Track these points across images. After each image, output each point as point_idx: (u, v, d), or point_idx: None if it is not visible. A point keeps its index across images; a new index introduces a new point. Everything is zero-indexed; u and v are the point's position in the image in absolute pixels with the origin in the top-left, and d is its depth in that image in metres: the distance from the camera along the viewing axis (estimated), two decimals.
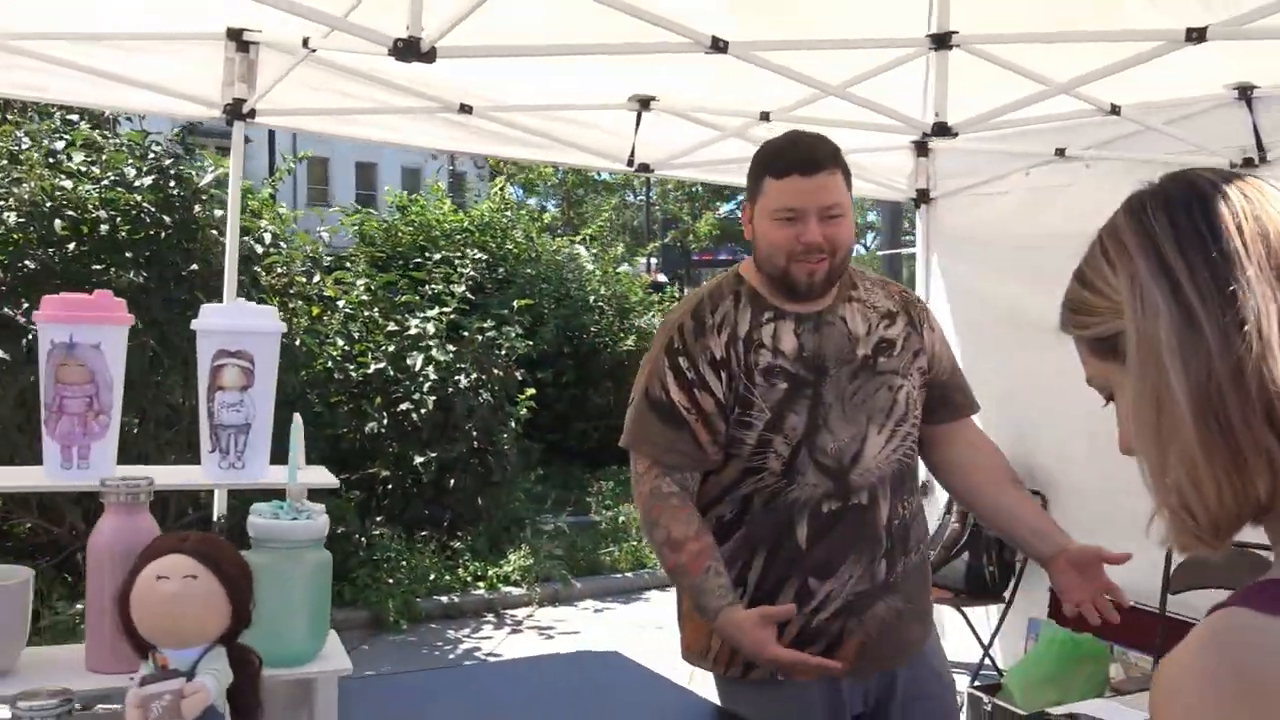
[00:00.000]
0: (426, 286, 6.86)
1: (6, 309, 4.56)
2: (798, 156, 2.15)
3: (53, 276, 4.63)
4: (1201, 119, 3.63)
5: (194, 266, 5.03)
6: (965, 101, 3.32)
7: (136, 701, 1.09)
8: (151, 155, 5.16)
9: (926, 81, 3.64)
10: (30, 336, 4.59)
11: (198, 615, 1.16)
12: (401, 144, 4.20)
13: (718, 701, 2.26)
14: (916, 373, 2.27)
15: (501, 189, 11.14)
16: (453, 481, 6.40)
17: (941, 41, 2.89)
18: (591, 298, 9.81)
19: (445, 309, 6.54)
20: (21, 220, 4.62)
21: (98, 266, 4.73)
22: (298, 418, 1.35)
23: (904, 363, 2.25)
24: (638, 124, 3.90)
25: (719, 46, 2.71)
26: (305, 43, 3.04)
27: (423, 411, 6.14)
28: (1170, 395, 0.82)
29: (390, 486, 6.35)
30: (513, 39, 2.90)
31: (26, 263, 4.64)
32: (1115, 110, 3.43)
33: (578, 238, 11.24)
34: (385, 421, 6.15)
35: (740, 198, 2.70)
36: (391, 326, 6.42)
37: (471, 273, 7.30)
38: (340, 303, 6.43)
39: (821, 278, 2.17)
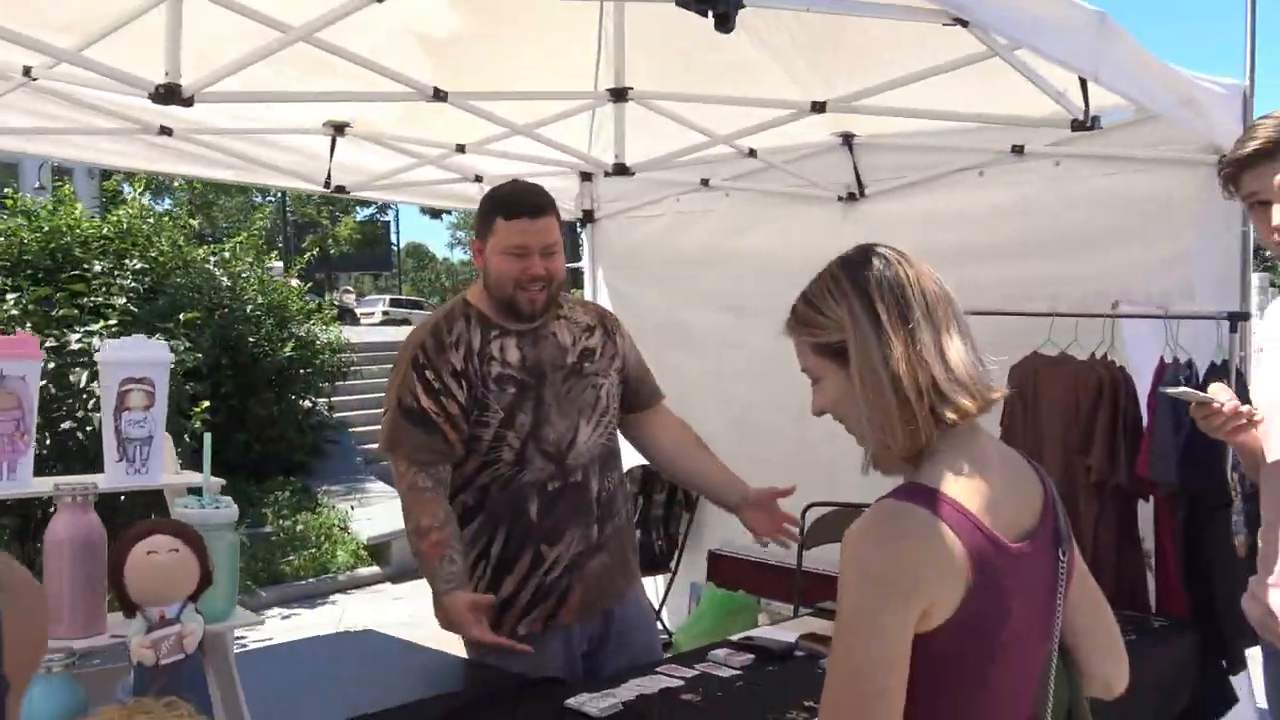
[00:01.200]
0: (86, 299, 6.62)
1: None
2: (527, 203, 2.64)
3: None
4: (815, 160, 4.45)
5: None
6: (636, 141, 3.95)
7: (148, 644, 1.38)
8: None
9: (593, 124, 4.23)
10: None
11: (181, 579, 1.46)
12: (100, 164, 4.23)
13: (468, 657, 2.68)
14: (614, 373, 2.83)
15: (140, 193, 10.68)
16: (122, 499, 6.25)
17: (619, 95, 3.48)
18: (249, 307, 9.70)
19: (109, 322, 6.37)
20: None
21: None
22: (208, 436, 1.65)
23: (603, 366, 2.81)
24: (332, 148, 4.19)
25: (440, 96, 3.12)
26: (27, 71, 3.08)
27: (88, 429, 5.98)
28: (878, 380, 1.40)
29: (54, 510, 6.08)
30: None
31: None
32: (753, 153, 4.19)
33: (227, 245, 11.01)
34: (47, 443, 5.93)
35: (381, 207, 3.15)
36: (50, 342, 6.18)
37: (132, 284, 7.10)
38: None
39: (542, 304, 2.68)
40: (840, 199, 4.52)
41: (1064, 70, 2.72)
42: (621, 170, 3.76)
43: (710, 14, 1.65)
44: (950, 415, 1.41)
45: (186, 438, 6.78)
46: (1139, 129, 3.61)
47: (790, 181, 4.55)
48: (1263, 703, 2.45)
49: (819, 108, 3.31)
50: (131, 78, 2.64)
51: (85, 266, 7.18)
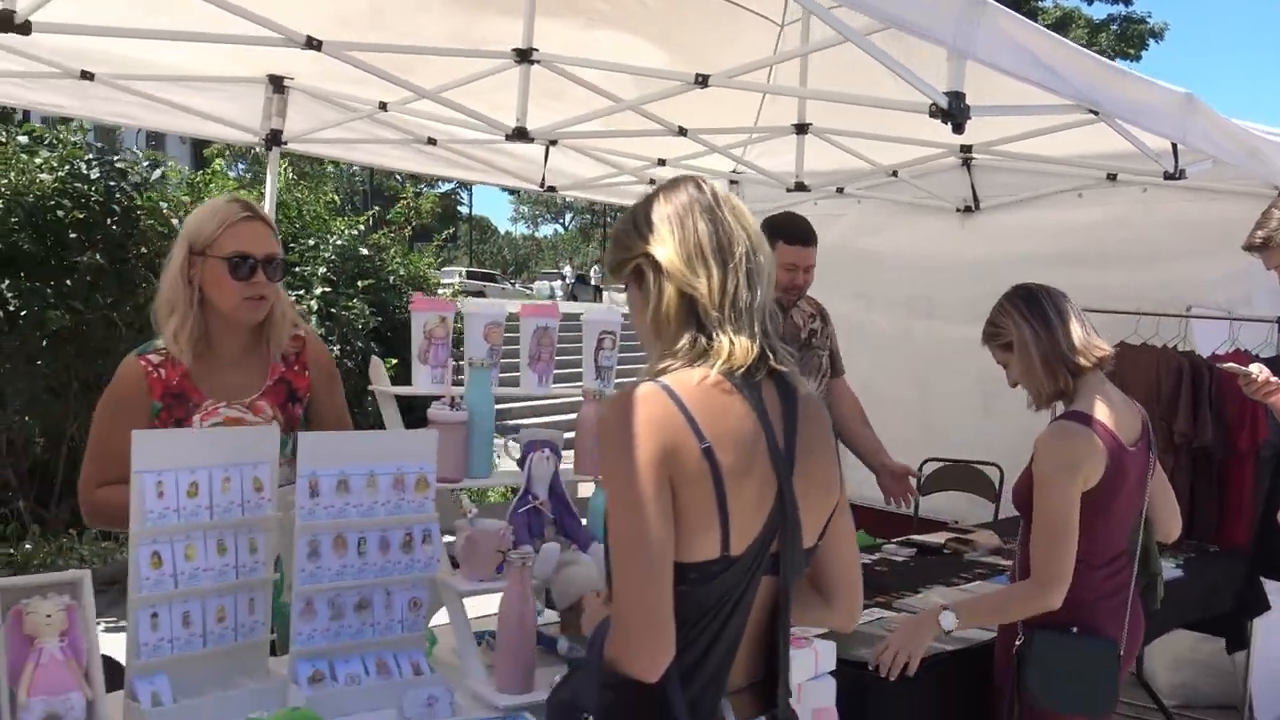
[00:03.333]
0: (296, 269, 7.68)
1: None
2: (803, 232, 3.70)
3: (29, 259, 5.31)
4: (937, 176, 5.38)
5: (144, 249, 5.80)
6: (818, 159, 4.84)
7: None
8: (93, 154, 5.85)
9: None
10: (10, 308, 5.26)
11: None
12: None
13: None
14: (826, 348, 3.90)
15: (285, 168, 11.73)
16: None
17: (802, 129, 4.41)
18: (391, 278, 10.76)
19: (315, 291, 7.44)
20: (4, 205, 5.25)
21: (62, 250, 5.44)
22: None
23: (821, 342, 3.87)
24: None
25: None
26: None
27: None
28: (1031, 360, 2.44)
29: None
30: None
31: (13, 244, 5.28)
32: (895, 174, 5.16)
33: (360, 219, 12.03)
34: None
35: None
36: None
37: (332, 255, 8.15)
38: None
39: (790, 304, 3.72)
40: (958, 210, 5.48)
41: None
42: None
43: (949, 122, 2.63)
44: (1074, 370, 2.52)
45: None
46: (1213, 168, 4.53)
47: (915, 193, 5.50)
48: None
49: (966, 150, 4.27)
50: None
51: (300, 240, 8.19)
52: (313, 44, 3.21)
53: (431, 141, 4.94)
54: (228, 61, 4.25)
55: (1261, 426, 3.96)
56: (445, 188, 31.40)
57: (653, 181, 5.78)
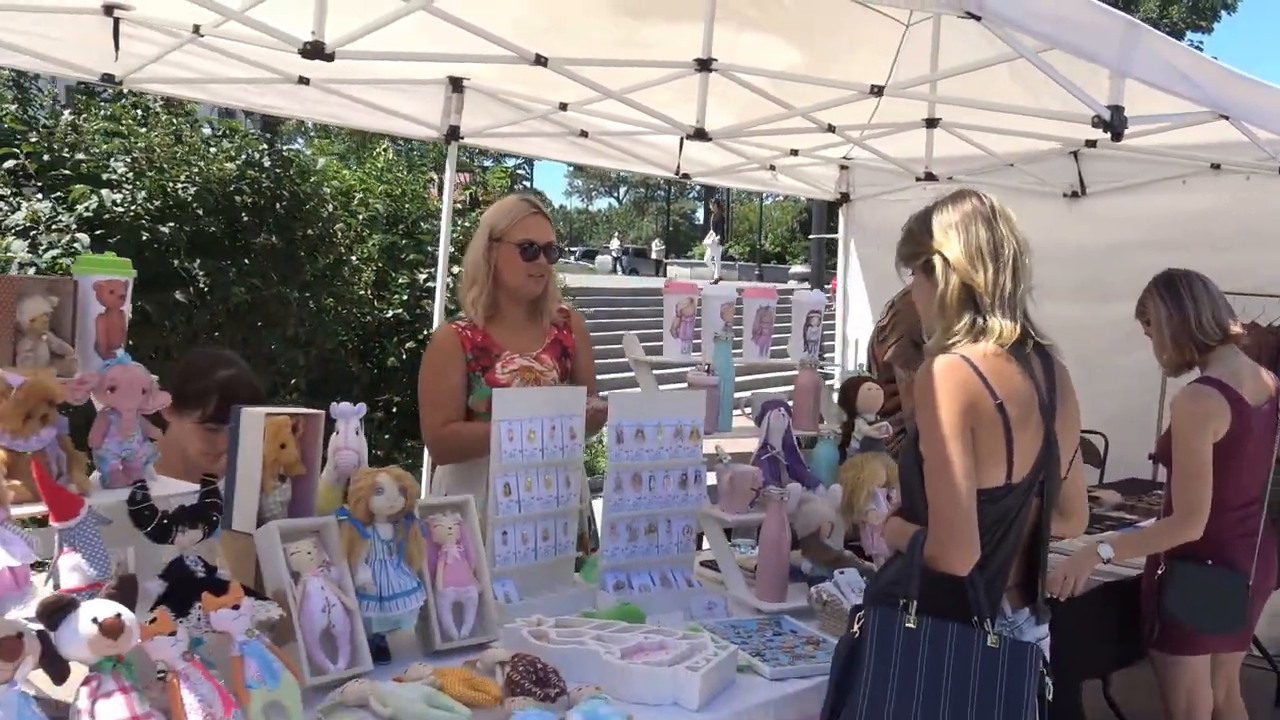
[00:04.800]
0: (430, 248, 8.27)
1: (185, 263, 5.80)
2: None
3: (217, 240, 5.90)
4: (1044, 163, 5.77)
5: (309, 231, 6.39)
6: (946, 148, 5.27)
7: None
8: (264, 144, 6.44)
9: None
10: (199, 284, 5.86)
11: None
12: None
13: None
14: None
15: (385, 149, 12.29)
16: None
17: (932, 123, 4.84)
18: None
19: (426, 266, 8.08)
20: (196, 192, 5.84)
21: (241, 232, 6.04)
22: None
23: None
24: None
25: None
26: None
27: None
28: (1163, 336, 2.98)
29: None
30: None
31: (200, 227, 5.88)
32: (1011, 165, 5.57)
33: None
34: (393, 362, 7.67)
35: None
36: (404, 279, 7.90)
37: (429, 229, 8.69)
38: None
39: None
40: (1065, 195, 5.89)
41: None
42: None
43: (1109, 131, 3.08)
44: (1201, 347, 3.06)
45: None
46: None
47: (1023, 179, 5.90)
48: None
49: (1091, 144, 4.68)
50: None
51: (417, 222, 8.77)
52: (540, 60, 3.70)
53: (584, 134, 5.44)
54: (412, 66, 4.77)
55: None
56: (512, 163, 31.88)
57: (772, 168, 6.26)
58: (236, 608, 1.72)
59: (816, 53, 4.64)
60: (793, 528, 2.70)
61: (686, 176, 6.12)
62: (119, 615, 1.54)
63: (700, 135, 4.17)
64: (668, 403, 2.65)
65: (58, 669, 1.49)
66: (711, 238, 30.85)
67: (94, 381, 1.80)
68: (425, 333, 8.11)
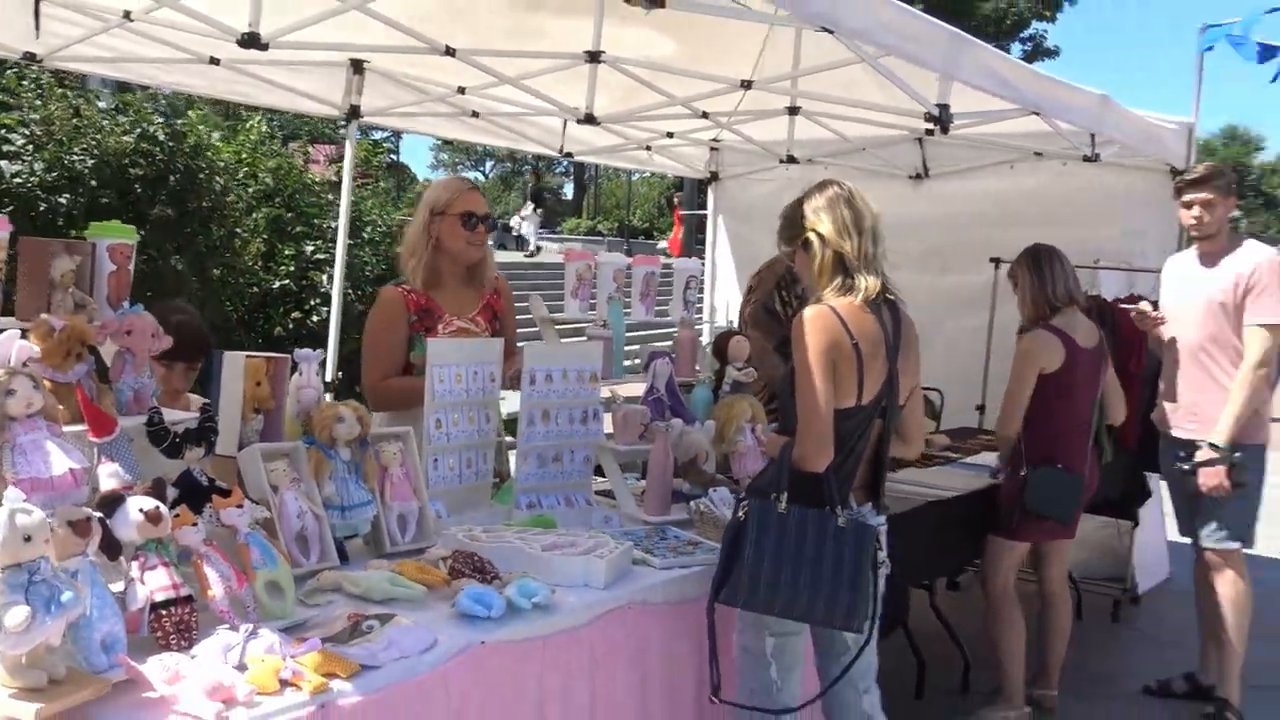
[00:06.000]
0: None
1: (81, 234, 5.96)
2: None
3: (112, 211, 6.08)
4: (892, 148, 6.43)
5: (203, 204, 6.61)
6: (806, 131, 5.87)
7: None
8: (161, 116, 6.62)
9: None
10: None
11: None
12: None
13: None
14: None
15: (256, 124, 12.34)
16: None
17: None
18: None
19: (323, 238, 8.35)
20: (93, 164, 6.02)
21: (136, 203, 6.24)
22: None
23: None
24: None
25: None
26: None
27: (314, 320, 8.01)
28: (1025, 297, 3.81)
29: None
30: None
31: (96, 198, 6.06)
32: (864, 149, 6.20)
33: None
34: (290, 326, 7.96)
35: None
36: (290, 250, 8.17)
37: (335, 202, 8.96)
38: None
39: None
40: (910, 177, 6.57)
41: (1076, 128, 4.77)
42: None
43: (939, 125, 3.68)
44: (1053, 308, 3.69)
45: None
46: (1119, 150, 5.67)
47: (874, 161, 6.56)
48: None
49: (931, 133, 5.30)
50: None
51: (295, 195, 8.98)
52: (450, 51, 4.11)
53: (475, 115, 5.84)
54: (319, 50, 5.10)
55: (1143, 353, 5.10)
56: (379, 135, 31.68)
57: (648, 148, 6.78)
58: (240, 507, 2.15)
59: (691, 45, 5.15)
60: (674, 456, 3.22)
61: (570, 155, 6.58)
62: (157, 507, 1.96)
63: (590, 120, 4.65)
64: (571, 352, 3.14)
65: (113, 547, 1.90)
66: (528, 208, 30.98)
67: (114, 326, 2.18)
68: (312, 303, 8.41)
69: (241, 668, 1.84)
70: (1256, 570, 4.35)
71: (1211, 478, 4.08)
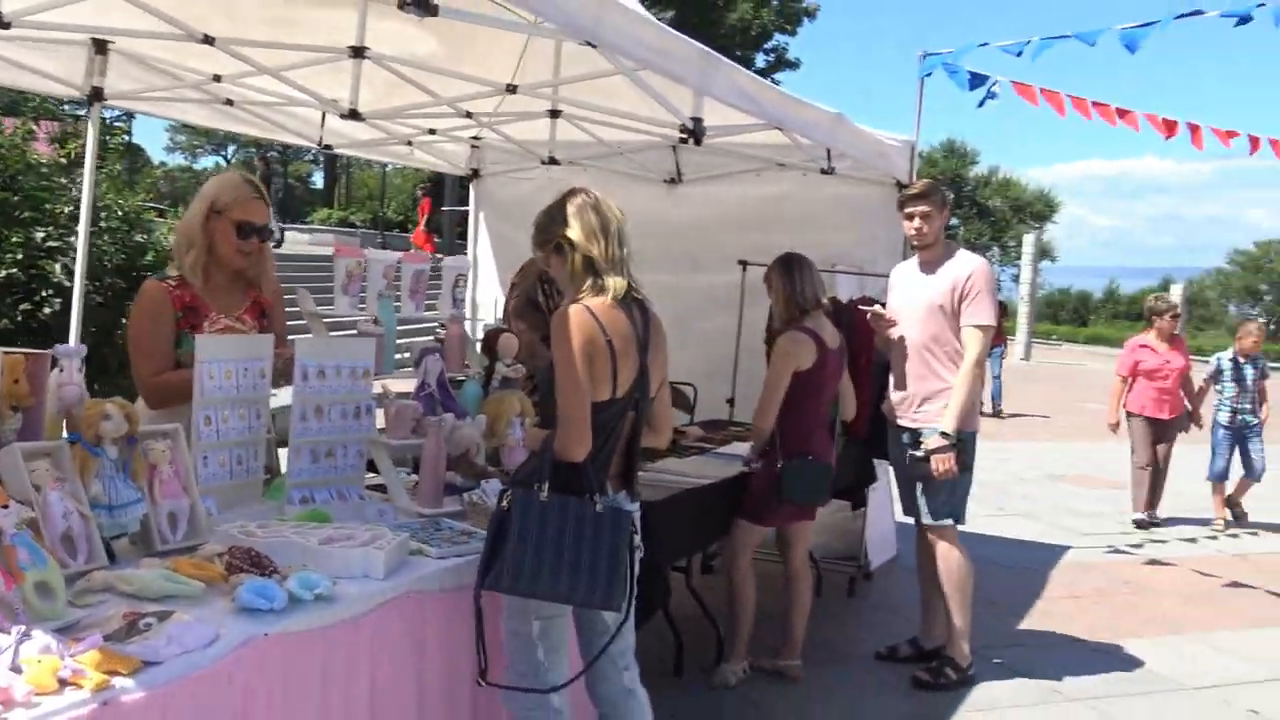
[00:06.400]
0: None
1: None
2: None
3: None
4: (647, 152, 6.73)
5: None
6: (568, 132, 6.03)
7: None
8: None
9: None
10: None
11: None
12: None
13: None
14: None
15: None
16: None
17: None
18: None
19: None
20: None
21: None
22: None
23: None
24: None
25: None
26: None
27: (46, 311, 7.46)
28: (779, 299, 4.10)
29: None
30: None
31: None
32: (621, 152, 6.45)
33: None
34: (18, 319, 7.37)
35: None
36: (16, 238, 7.57)
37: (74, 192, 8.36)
38: None
39: None
40: (665, 181, 6.89)
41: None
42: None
43: (692, 136, 3.93)
44: (803, 310, 4.05)
45: None
46: (853, 164, 6.17)
47: (631, 165, 6.84)
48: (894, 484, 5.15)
49: (684, 141, 5.60)
50: None
51: (16, 176, 8.26)
52: (208, 40, 4.00)
53: (229, 103, 5.68)
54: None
55: (872, 350, 5.57)
56: (109, 114, 29.53)
57: (409, 143, 6.78)
58: (5, 507, 2.09)
59: (453, 44, 5.21)
60: (447, 450, 3.31)
61: (329, 147, 6.49)
62: None
63: (354, 115, 4.63)
64: (344, 347, 3.17)
65: None
66: None
67: None
68: (44, 294, 7.85)
69: (16, 670, 1.82)
70: (969, 546, 4.86)
71: (943, 463, 4.55)
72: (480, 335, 4.94)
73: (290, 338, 3.23)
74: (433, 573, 2.71)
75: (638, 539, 2.84)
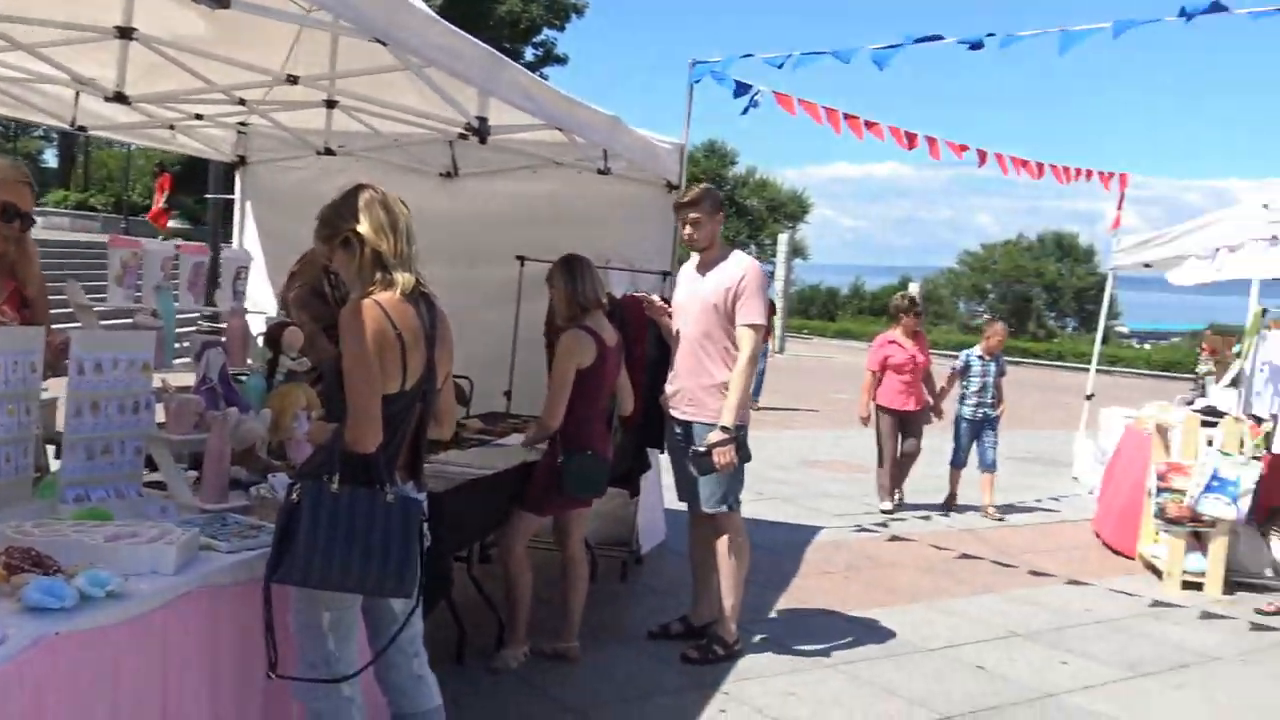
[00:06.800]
0: None
1: None
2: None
3: None
4: (424, 146, 6.74)
5: None
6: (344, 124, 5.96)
7: None
8: None
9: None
10: None
11: None
12: None
13: None
14: None
15: None
16: None
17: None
18: None
19: None
20: None
21: None
22: None
23: None
24: None
25: None
26: None
27: None
28: (563, 299, 4.32)
29: None
30: None
31: None
32: (398, 142, 6.44)
33: None
34: None
35: None
36: None
37: None
38: None
39: None
40: (441, 175, 6.92)
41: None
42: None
43: (478, 136, 4.02)
44: (585, 308, 4.25)
45: None
46: (623, 161, 6.40)
47: (407, 158, 6.83)
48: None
49: (464, 136, 5.67)
50: None
51: None
52: None
53: None
54: None
55: (645, 342, 5.81)
56: None
57: (172, 127, 6.51)
58: None
59: (222, 26, 5.07)
60: (231, 444, 3.28)
61: (83, 129, 6.14)
62: None
63: (120, 99, 4.45)
64: (122, 340, 3.08)
65: None
66: None
67: None
68: None
69: None
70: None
71: (724, 455, 4.83)
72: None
73: (55, 327, 3.12)
74: (224, 567, 2.71)
75: (425, 528, 2.93)
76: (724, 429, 4.83)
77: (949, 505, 9.46)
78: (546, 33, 36.06)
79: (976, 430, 9.39)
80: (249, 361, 3.66)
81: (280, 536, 2.71)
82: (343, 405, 2.79)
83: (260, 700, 2.87)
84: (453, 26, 3.72)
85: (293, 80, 4.59)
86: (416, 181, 6.85)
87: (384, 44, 3.41)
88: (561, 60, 37.04)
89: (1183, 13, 6.04)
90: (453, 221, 6.77)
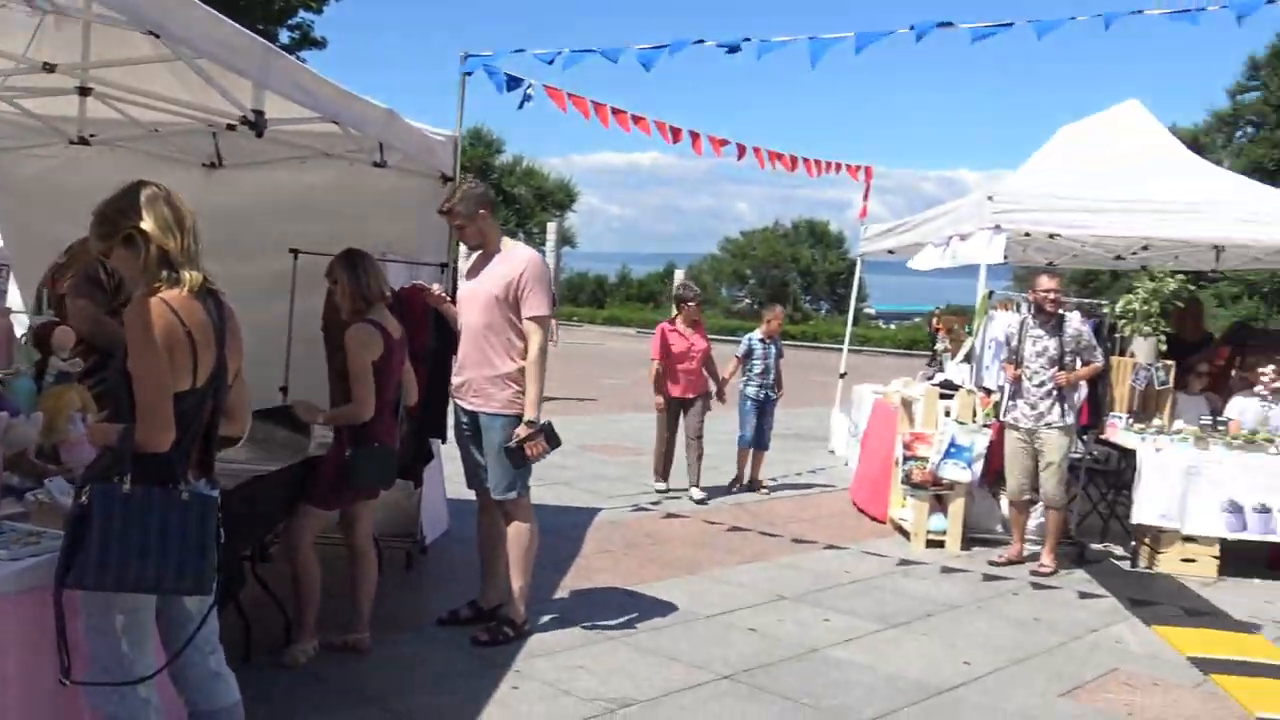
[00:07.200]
0: None
1: None
2: None
3: None
4: (186, 136, 6.50)
5: None
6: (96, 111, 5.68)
7: None
8: None
9: None
10: None
11: None
12: None
13: None
14: None
15: None
16: None
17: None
18: None
19: None
20: None
21: None
22: None
23: None
24: None
25: None
26: None
27: None
28: (346, 294, 4.42)
29: None
30: None
31: None
32: (156, 131, 6.20)
33: None
34: None
35: None
36: None
37: None
38: None
39: None
40: (204, 165, 6.70)
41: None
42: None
43: (254, 129, 3.98)
44: (369, 302, 4.39)
45: None
46: (399, 154, 6.41)
47: (167, 147, 6.58)
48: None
49: (232, 128, 5.53)
50: None
51: None
52: None
53: None
54: None
55: (427, 333, 5.86)
56: None
57: None
58: None
59: None
60: (2, 449, 3.16)
61: None
62: None
63: None
64: None
65: None
66: None
67: None
68: None
69: None
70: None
71: (535, 448, 5.00)
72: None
73: None
74: (8, 575, 2.65)
75: (220, 525, 2.94)
76: (529, 423, 4.99)
77: (742, 483, 9.92)
78: (303, 15, 34.75)
79: (760, 410, 9.87)
80: (17, 363, 3.52)
81: (70, 541, 2.66)
82: (131, 405, 2.77)
83: (49, 708, 2.81)
84: (225, 18, 3.68)
85: (50, 69, 4.37)
86: (179, 172, 6.58)
87: (157, 36, 3.35)
88: (320, 44, 35.81)
89: (912, 28, 6.79)
90: (220, 214, 6.46)
